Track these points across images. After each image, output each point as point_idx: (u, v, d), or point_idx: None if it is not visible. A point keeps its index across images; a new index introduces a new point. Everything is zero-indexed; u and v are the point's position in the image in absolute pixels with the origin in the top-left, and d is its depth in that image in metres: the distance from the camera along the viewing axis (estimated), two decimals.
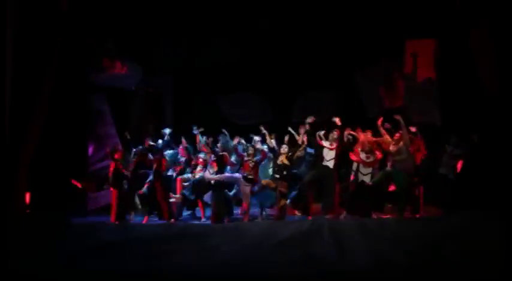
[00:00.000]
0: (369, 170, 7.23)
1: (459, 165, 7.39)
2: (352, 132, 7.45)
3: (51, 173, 7.91)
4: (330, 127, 7.68)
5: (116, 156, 7.53)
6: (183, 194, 7.48)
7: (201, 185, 7.46)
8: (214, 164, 7.50)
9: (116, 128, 9.91)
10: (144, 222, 7.38)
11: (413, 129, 7.44)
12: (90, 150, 9.44)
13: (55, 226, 6.13)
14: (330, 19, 9.99)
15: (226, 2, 9.79)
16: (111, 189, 7.50)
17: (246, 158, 7.52)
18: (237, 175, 7.38)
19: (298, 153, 7.49)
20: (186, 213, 8.15)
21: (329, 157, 7.25)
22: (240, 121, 11.38)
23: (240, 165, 7.77)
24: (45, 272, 5.22)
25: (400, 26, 9.41)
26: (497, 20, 5.48)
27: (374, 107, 10.55)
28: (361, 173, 7.21)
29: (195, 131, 8.06)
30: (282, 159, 7.37)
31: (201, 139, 8.02)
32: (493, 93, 5.80)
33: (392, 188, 7.30)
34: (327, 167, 7.23)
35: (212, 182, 7.23)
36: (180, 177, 7.65)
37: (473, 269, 4.94)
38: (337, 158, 7.23)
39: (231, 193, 7.50)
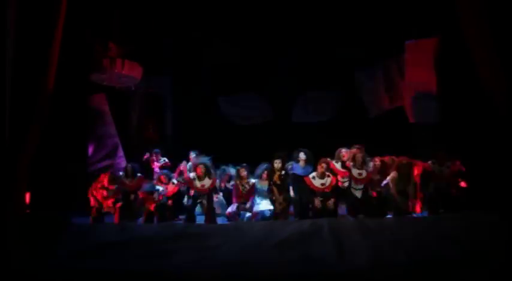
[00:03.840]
0: (361, 185, 7.07)
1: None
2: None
3: (51, 173, 7.91)
4: None
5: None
6: None
7: None
8: None
9: (116, 128, 9.92)
10: None
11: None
12: (90, 150, 9.45)
13: (55, 226, 6.12)
14: (330, 19, 10.00)
15: (227, 2, 9.80)
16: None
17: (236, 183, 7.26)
18: None
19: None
20: None
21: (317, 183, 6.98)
22: (240, 121, 11.40)
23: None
24: (45, 272, 5.22)
25: (400, 26, 9.42)
26: (497, 19, 5.48)
27: (374, 107, 10.58)
28: (353, 188, 7.09)
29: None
30: (275, 178, 7.08)
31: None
32: (494, 92, 5.81)
33: None
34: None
35: None
36: None
37: (473, 269, 4.94)
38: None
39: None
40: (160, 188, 7.43)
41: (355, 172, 7.05)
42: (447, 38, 8.62)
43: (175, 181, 7.85)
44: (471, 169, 7.41)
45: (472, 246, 5.34)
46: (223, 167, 8.30)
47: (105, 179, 7.40)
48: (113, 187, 7.34)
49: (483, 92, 6.13)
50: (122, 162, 9.87)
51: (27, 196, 6.38)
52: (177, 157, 9.66)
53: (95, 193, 7.32)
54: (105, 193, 7.30)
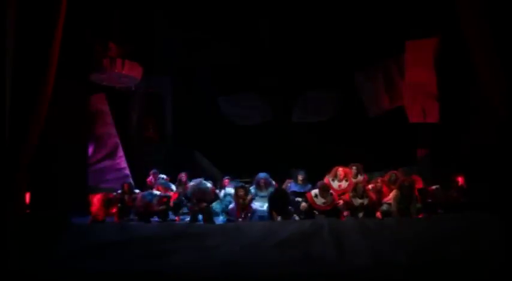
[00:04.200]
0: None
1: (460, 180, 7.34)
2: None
3: (51, 173, 7.90)
4: None
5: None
6: None
7: None
8: None
9: (116, 128, 9.92)
10: None
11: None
12: (90, 150, 9.45)
13: (55, 226, 6.12)
14: (330, 19, 10.00)
15: (227, 2, 9.80)
16: None
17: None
18: None
19: None
20: None
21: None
22: (240, 121, 11.41)
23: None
24: (45, 272, 5.22)
25: (400, 26, 9.42)
26: (497, 19, 5.48)
27: (374, 107, 10.58)
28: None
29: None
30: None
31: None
32: (493, 92, 5.80)
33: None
34: None
35: None
36: None
37: (473, 269, 4.94)
38: None
39: None
40: (157, 192, 7.46)
41: (356, 201, 7.07)
42: (447, 38, 8.62)
43: (174, 188, 7.86)
44: (471, 169, 7.42)
45: (472, 246, 5.34)
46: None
47: (98, 205, 7.27)
48: (112, 210, 7.35)
49: (483, 92, 6.14)
50: (122, 162, 9.88)
51: (27, 196, 6.37)
52: (177, 157, 9.69)
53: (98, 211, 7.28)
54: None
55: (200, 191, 7.23)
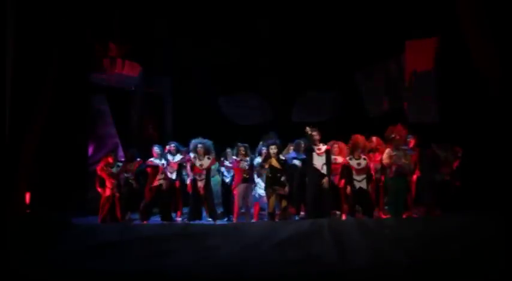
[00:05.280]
0: (363, 176, 7.11)
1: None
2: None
3: (51, 173, 7.90)
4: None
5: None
6: None
7: None
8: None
9: (115, 128, 9.93)
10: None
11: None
12: (90, 150, 9.45)
13: (55, 226, 6.12)
14: (330, 19, 10.01)
15: (227, 2, 9.80)
16: None
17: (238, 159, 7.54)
18: None
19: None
20: None
21: (319, 162, 7.05)
22: (240, 121, 11.41)
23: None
24: (45, 272, 5.22)
25: (400, 26, 9.42)
26: (497, 19, 5.49)
27: (374, 107, 10.58)
28: (356, 180, 7.09)
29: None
30: (271, 161, 7.11)
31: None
32: (494, 91, 5.81)
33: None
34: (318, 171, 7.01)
35: None
36: None
37: (474, 269, 4.94)
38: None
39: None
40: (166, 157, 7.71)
41: (353, 162, 7.14)
42: (447, 38, 8.62)
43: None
44: (471, 169, 7.42)
45: (472, 246, 5.34)
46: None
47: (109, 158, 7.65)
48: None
49: (483, 92, 6.14)
50: None
51: (27, 196, 6.38)
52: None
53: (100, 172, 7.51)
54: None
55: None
